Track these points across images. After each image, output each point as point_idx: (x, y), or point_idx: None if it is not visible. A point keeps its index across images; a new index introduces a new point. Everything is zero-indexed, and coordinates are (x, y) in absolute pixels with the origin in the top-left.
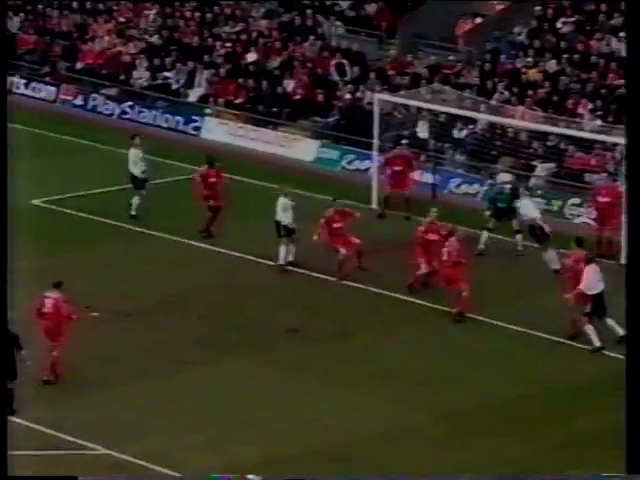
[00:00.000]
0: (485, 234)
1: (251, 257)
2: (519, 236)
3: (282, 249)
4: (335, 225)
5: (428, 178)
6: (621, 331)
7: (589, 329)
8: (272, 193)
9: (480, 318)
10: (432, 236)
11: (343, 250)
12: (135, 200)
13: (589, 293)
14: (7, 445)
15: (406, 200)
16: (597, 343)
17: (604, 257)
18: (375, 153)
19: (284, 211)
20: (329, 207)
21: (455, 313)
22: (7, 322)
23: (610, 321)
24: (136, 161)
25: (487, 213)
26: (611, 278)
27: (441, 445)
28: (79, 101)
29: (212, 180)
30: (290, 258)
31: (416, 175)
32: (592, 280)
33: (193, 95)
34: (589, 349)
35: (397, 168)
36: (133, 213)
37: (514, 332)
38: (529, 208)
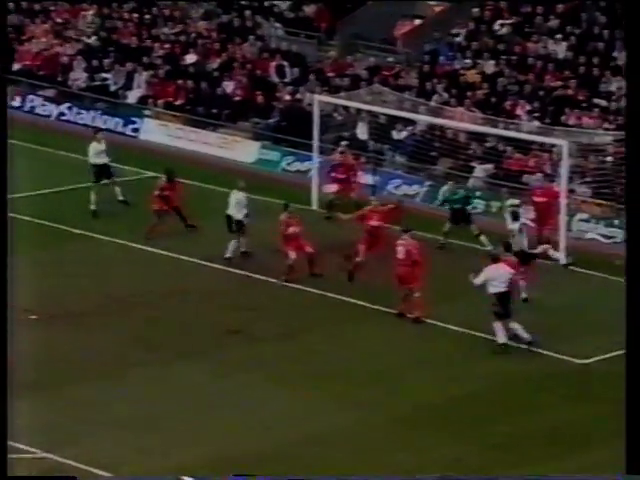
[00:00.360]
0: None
1: (194, 259)
2: (483, 238)
3: (232, 243)
4: (290, 230)
5: (368, 179)
6: (528, 338)
7: (497, 326)
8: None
9: (424, 320)
10: (374, 222)
11: (293, 255)
12: (117, 189)
13: (499, 291)
14: (7, 445)
15: (355, 204)
16: (501, 339)
17: (544, 258)
18: (315, 154)
19: (237, 206)
20: (282, 212)
21: (414, 318)
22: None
23: (515, 325)
24: (97, 154)
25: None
26: (551, 278)
27: (384, 445)
28: (16, 102)
29: (167, 193)
30: (243, 249)
31: (362, 178)
32: (490, 278)
33: (132, 96)
34: (496, 346)
35: (341, 176)
36: (121, 198)
37: (454, 332)
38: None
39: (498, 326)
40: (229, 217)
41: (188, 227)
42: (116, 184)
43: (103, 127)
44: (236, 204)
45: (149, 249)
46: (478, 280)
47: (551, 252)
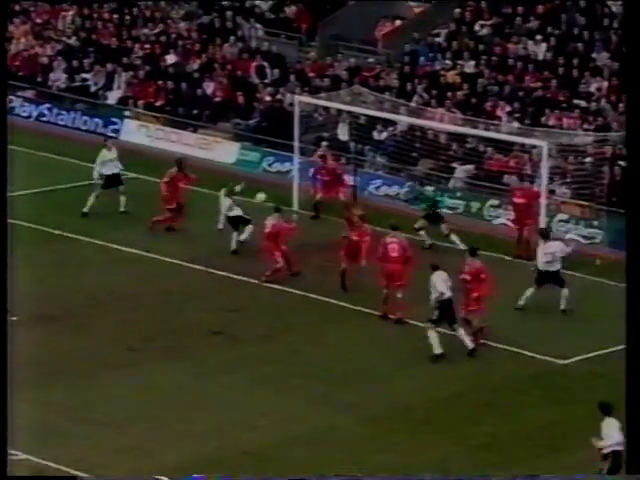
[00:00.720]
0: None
1: (176, 260)
2: (454, 236)
3: (235, 236)
4: (276, 230)
5: (349, 180)
6: (470, 345)
7: (432, 336)
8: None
9: (405, 320)
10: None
11: (281, 260)
12: (122, 199)
13: (440, 299)
14: (7, 445)
15: (344, 204)
16: (437, 350)
17: (522, 258)
18: (296, 155)
19: (231, 209)
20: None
21: (397, 319)
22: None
23: (462, 332)
24: (105, 162)
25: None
26: (529, 279)
27: (365, 446)
28: None
29: (179, 184)
30: (242, 237)
31: (347, 179)
32: (439, 287)
33: (112, 97)
34: (432, 355)
35: (326, 178)
36: (123, 209)
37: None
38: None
39: (433, 336)
40: (231, 218)
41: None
42: (123, 194)
43: (84, 128)
44: (229, 209)
45: (129, 250)
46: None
47: (453, 237)
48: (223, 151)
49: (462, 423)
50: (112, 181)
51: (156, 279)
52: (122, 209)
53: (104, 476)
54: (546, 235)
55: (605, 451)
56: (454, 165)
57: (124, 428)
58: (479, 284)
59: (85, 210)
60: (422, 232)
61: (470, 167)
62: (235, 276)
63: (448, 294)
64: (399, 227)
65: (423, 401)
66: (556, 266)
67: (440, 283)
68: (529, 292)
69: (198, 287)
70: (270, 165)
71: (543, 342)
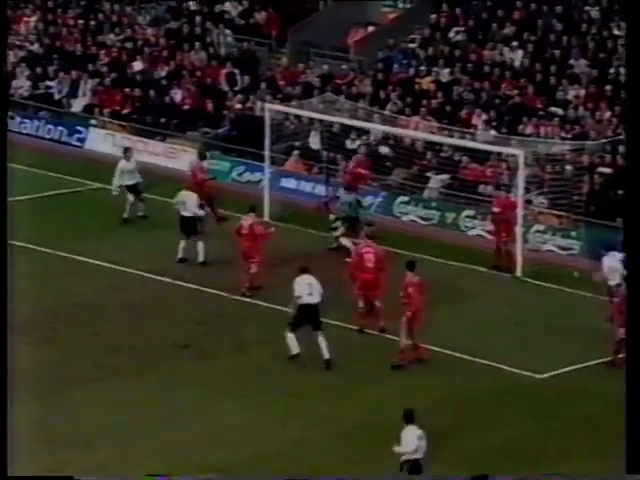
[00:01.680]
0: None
1: (141, 272)
2: (345, 241)
3: (200, 244)
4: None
5: (320, 190)
6: (327, 355)
7: (289, 337)
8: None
9: (374, 333)
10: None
11: (255, 267)
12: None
13: (298, 302)
14: (7, 445)
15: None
16: (294, 350)
17: (500, 270)
18: (267, 164)
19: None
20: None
21: (381, 328)
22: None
23: (321, 339)
24: (124, 173)
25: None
26: (505, 290)
27: (335, 461)
28: None
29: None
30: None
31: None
32: (298, 290)
33: (77, 105)
34: (289, 356)
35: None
36: (141, 213)
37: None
38: None
39: (290, 337)
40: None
41: (219, 221)
42: (142, 201)
43: (47, 137)
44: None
45: (94, 261)
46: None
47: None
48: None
49: (433, 439)
50: (131, 191)
51: (121, 291)
52: (140, 213)
53: (104, 476)
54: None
55: (403, 458)
56: (429, 174)
57: (90, 446)
58: (413, 300)
59: (125, 216)
60: (338, 232)
61: (445, 177)
62: (202, 288)
63: (310, 299)
64: (374, 236)
65: (394, 416)
66: None
67: (301, 287)
68: None
69: (164, 299)
70: (240, 175)
71: (518, 356)
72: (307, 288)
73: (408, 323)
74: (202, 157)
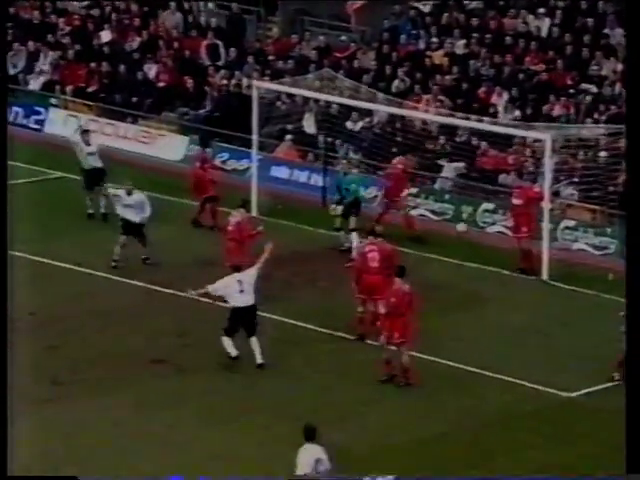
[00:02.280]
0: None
1: (111, 275)
2: (354, 235)
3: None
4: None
5: (317, 180)
6: (260, 359)
7: (225, 340)
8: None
9: (374, 343)
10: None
11: None
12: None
13: (230, 305)
14: (7, 445)
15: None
16: (232, 353)
17: (525, 273)
18: (254, 151)
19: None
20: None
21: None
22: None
23: (254, 343)
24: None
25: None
26: (532, 296)
27: None
28: None
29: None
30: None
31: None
32: (226, 288)
33: (35, 82)
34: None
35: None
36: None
37: (420, 361)
38: None
39: (226, 340)
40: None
41: (195, 224)
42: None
43: None
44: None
45: (56, 263)
46: (214, 290)
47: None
48: (168, 146)
49: (450, 467)
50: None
51: (87, 298)
52: (103, 210)
53: (105, 476)
54: None
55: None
56: (441, 162)
57: (54, 472)
58: (405, 310)
59: (90, 211)
60: (354, 233)
61: (460, 165)
62: (181, 293)
63: (242, 300)
64: (381, 234)
65: (403, 441)
66: None
67: (230, 286)
68: None
69: (137, 307)
70: (224, 162)
71: (545, 372)
72: (237, 285)
73: (397, 335)
74: (205, 144)
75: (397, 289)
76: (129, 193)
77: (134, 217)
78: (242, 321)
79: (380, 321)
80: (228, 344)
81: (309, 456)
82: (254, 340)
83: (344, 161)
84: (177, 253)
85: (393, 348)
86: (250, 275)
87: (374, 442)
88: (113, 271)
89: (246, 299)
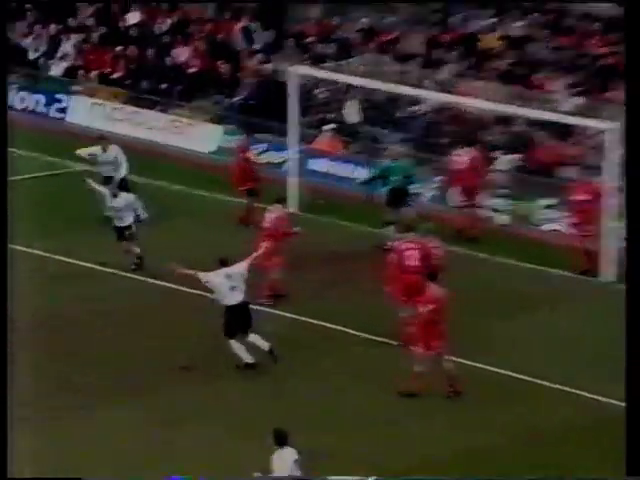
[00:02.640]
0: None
1: (132, 275)
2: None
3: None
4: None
5: (361, 173)
6: (266, 346)
7: (234, 345)
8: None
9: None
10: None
11: (277, 270)
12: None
13: (222, 303)
14: (7, 445)
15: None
16: (247, 359)
17: (588, 274)
18: (293, 142)
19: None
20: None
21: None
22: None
23: (254, 337)
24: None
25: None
26: (593, 300)
27: None
28: None
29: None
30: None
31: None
32: (218, 286)
33: (57, 67)
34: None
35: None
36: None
37: (467, 368)
38: None
39: (236, 346)
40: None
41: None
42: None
43: (19, 107)
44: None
45: (68, 260)
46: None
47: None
48: (200, 137)
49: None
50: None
51: (105, 301)
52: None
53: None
54: None
55: None
56: (495, 154)
57: None
58: (442, 317)
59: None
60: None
61: (516, 157)
62: (207, 294)
63: (234, 297)
64: (415, 228)
65: (449, 456)
66: None
67: (221, 284)
68: None
69: (159, 309)
70: (259, 155)
71: (607, 380)
72: (227, 282)
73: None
74: (248, 132)
75: (433, 294)
76: (115, 195)
77: (119, 222)
78: (237, 319)
79: (417, 329)
80: (239, 349)
81: (287, 459)
82: (253, 335)
83: (390, 151)
84: (207, 251)
85: (431, 357)
86: (240, 270)
87: (419, 455)
88: (126, 268)
89: (238, 296)
